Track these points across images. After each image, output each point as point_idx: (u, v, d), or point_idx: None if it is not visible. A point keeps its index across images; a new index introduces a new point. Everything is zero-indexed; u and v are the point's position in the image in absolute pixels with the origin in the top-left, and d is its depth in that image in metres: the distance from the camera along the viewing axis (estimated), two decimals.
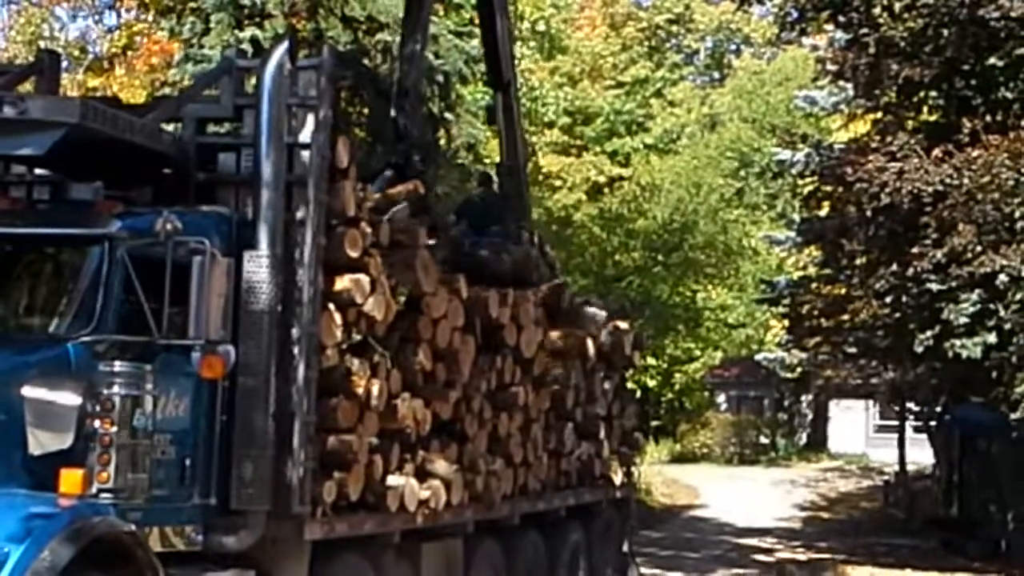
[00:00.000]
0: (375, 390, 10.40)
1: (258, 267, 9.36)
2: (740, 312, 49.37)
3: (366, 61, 20.40)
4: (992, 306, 19.70)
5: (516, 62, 16.67)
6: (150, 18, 25.96)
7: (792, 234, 32.88)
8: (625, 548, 16.75)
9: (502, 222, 14.92)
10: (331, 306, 10.02)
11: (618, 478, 16.66)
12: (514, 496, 13.15)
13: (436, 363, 11.50)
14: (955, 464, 30.22)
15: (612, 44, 43.21)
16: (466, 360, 11.91)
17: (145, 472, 8.64)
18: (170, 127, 10.45)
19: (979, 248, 18.39)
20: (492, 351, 12.60)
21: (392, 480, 10.72)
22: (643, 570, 17.80)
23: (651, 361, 40.99)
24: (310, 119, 9.83)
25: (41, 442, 8.34)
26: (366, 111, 21.17)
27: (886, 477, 37.99)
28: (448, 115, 21.93)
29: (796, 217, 33.58)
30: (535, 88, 30.33)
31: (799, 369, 38.99)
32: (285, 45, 9.98)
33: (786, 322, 33.31)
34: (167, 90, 21.92)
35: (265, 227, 9.45)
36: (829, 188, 24.36)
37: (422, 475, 11.19)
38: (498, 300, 12.61)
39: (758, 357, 48.15)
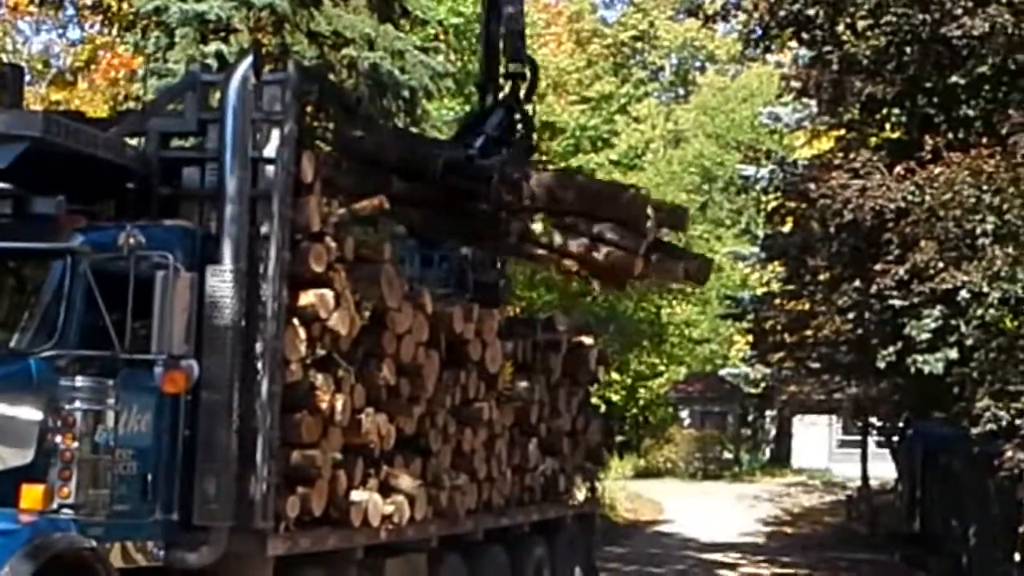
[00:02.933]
0: (339, 405, 10.39)
1: (222, 282, 9.35)
2: (704, 327, 49.52)
3: (332, 76, 20.36)
4: (954, 322, 19.78)
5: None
6: (114, 32, 25.85)
7: (756, 250, 33.04)
8: (589, 563, 16.75)
9: None
10: (295, 321, 10.02)
11: (582, 493, 16.68)
12: (478, 511, 13.15)
13: (400, 378, 11.50)
14: (917, 479, 30.38)
15: (578, 60, 43.29)
16: (430, 375, 11.91)
17: (107, 488, 8.60)
18: (134, 141, 10.41)
19: (941, 264, 18.46)
20: (456, 366, 12.60)
21: (356, 495, 10.71)
22: None
23: (615, 376, 41.01)
24: (275, 134, 9.84)
25: (1, 457, 8.30)
26: (331, 126, 21.12)
27: (849, 492, 38.16)
28: (413, 130, 21.89)
29: (760, 233, 33.77)
30: None
31: (763, 384, 39.18)
32: (249, 59, 9.99)
33: (750, 337, 33.43)
34: (130, 104, 21.83)
35: (229, 242, 9.44)
36: (793, 204, 24.44)
37: (386, 490, 11.18)
38: (463, 315, 12.61)
39: (722, 372, 48.37)
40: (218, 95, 10.09)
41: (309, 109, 19.37)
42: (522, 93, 14.94)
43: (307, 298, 10.10)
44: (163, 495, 9.26)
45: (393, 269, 11.40)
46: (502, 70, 15.32)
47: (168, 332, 8.72)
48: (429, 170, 13.18)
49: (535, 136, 14.62)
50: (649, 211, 12.98)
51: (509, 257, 15.19)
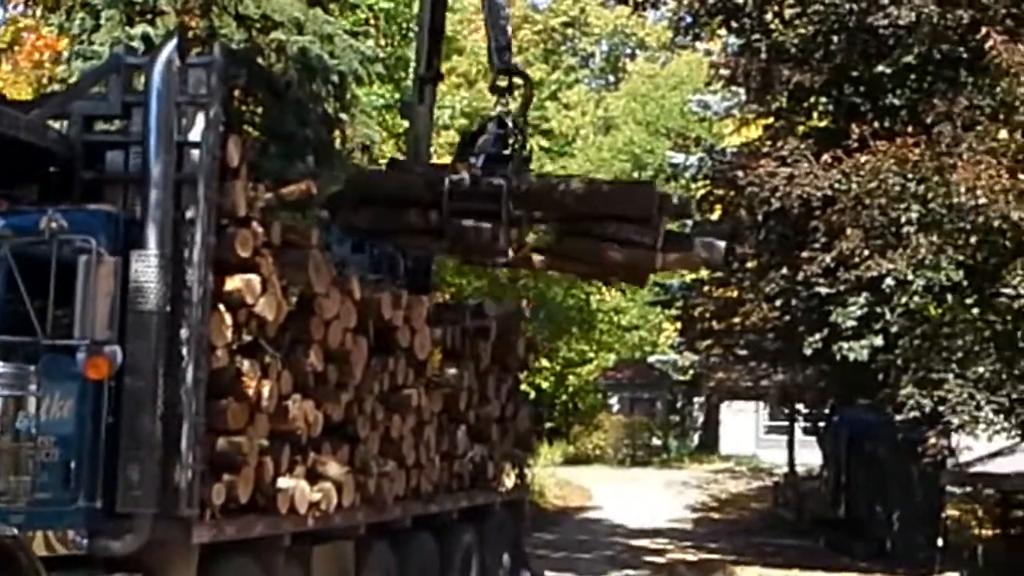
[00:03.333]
0: (265, 391, 10.31)
1: (146, 267, 9.24)
2: (633, 315, 49.69)
3: (260, 60, 20.20)
4: (879, 310, 20.01)
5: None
6: (38, 13, 25.49)
7: None
8: (518, 550, 16.77)
9: None
10: (221, 306, 9.92)
11: (511, 480, 16.68)
12: (406, 498, 13.11)
13: (328, 364, 11.42)
14: (842, 465, 30.70)
15: None
16: (358, 362, 11.85)
17: (28, 475, 8.51)
18: (57, 124, 10.27)
19: (866, 252, 18.64)
20: (385, 353, 12.55)
21: (282, 482, 10.64)
22: (536, 571, 17.81)
23: (545, 363, 41.05)
24: (200, 118, 9.73)
25: None
26: (259, 110, 20.98)
27: (776, 478, 38.48)
28: (343, 115, 21.78)
29: (689, 221, 33.85)
30: None
31: (691, 371, 39.42)
32: (175, 42, 9.87)
33: (678, 325, 33.61)
34: (54, 87, 21.55)
35: (154, 226, 9.33)
36: (721, 192, 24.61)
37: (313, 477, 11.12)
38: (391, 302, 12.56)
39: (651, 359, 48.60)
40: (143, 78, 9.96)
41: (237, 93, 19.25)
42: (512, 105, 14.73)
43: (233, 283, 10.01)
44: (86, 482, 9.14)
45: (320, 255, 11.33)
46: (493, 83, 15.08)
47: (91, 317, 8.61)
48: (437, 197, 13.20)
49: (528, 147, 14.48)
50: (662, 205, 13.09)
51: (520, 269, 15.24)
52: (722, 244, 14.02)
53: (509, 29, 15.47)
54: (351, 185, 13.82)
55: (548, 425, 49.06)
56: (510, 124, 13.90)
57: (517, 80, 15.09)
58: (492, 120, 14.25)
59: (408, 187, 13.45)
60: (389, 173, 14.19)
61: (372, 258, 14.20)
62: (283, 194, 11.39)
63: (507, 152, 13.76)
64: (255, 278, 10.12)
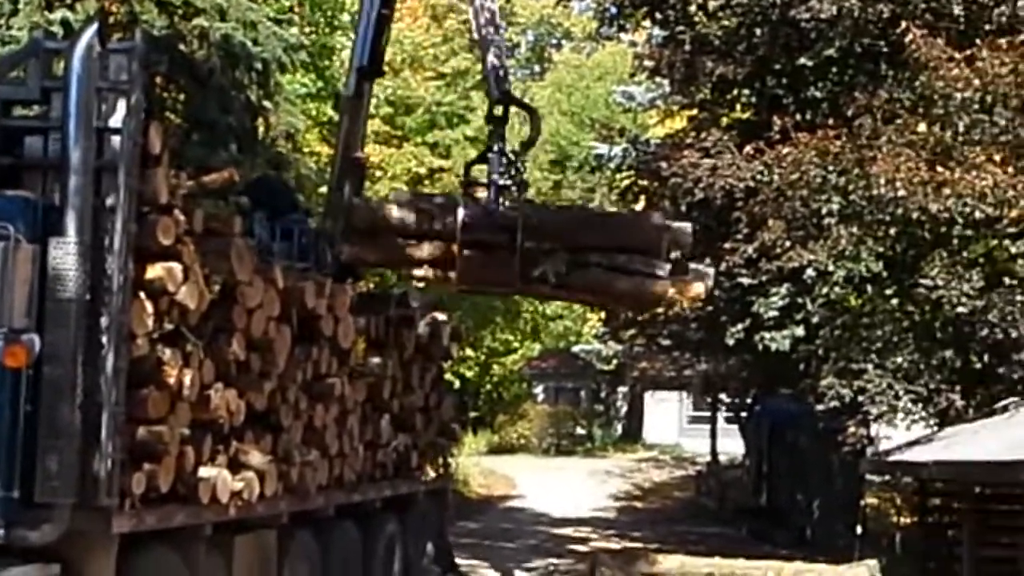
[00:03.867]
0: (187, 380, 10.24)
1: (65, 254, 9.14)
2: (558, 304, 49.80)
3: (182, 47, 20.01)
4: (800, 300, 20.20)
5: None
6: None
7: None
8: (442, 539, 16.78)
9: (293, 206, 14.78)
10: (142, 295, 9.83)
11: (434, 469, 16.69)
12: (329, 487, 13.09)
13: (251, 353, 11.37)
14: (764, 454, 30.99)
15: (433, 35, 43.13)
16: (281, 350, 11.80)
17: None
18: None
19: (788, 243, 18.82)
20: (308, 342, 12.51)
21: (204, 471, 10.57)
22: (459, 560, 17.86)
23: (469, 352, 41.08)
24: (121, 104, 9.62)
25: None
26: (181, 98, 20.80)
27: (698, 467, 38.78)
28: (267, 103, 21.64)
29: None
30: None
31: (615, 361, 39.66)
32: (95, 27, 9.76)
33: (602, 314, 33.73)
34: None
35: (73, 213, 9.23)
36: (645, 183, 24.72)
37: (235, 466, 11.06)
38: (315, 290, 12.52)
39: (575, 349, 48.82)
40: (62, 63, 9.84)
41: (158, 80, 19.06)
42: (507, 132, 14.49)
43: (154, 271, 9.92)
44: (3, 472, 9.03)
45: (243, 243, 11.26)
46: (490, 112, 14.75)
47: (8, 305, 8.53)
48: (447, 229, 13.12)
49: (526, 175, 14.33)
50: (666, 235, 13.11)
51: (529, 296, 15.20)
52: (711, 271, 14.13)
53: (504, 55, 15.14)
54: (359, 216, 13.71)
55: (473, 414, 49.11)
56: (511, 156, 13.72)
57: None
58: (494, 150, 13.89)
59: (419, 219, 13.38)
60: (397, 204, 14.03)
61: (299, 246, 14.13)
62: (205, 182, 11.31)
63: (513, 182, 13.59)
64: (177, 266, 10.04)
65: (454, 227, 12.96)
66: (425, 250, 13.11)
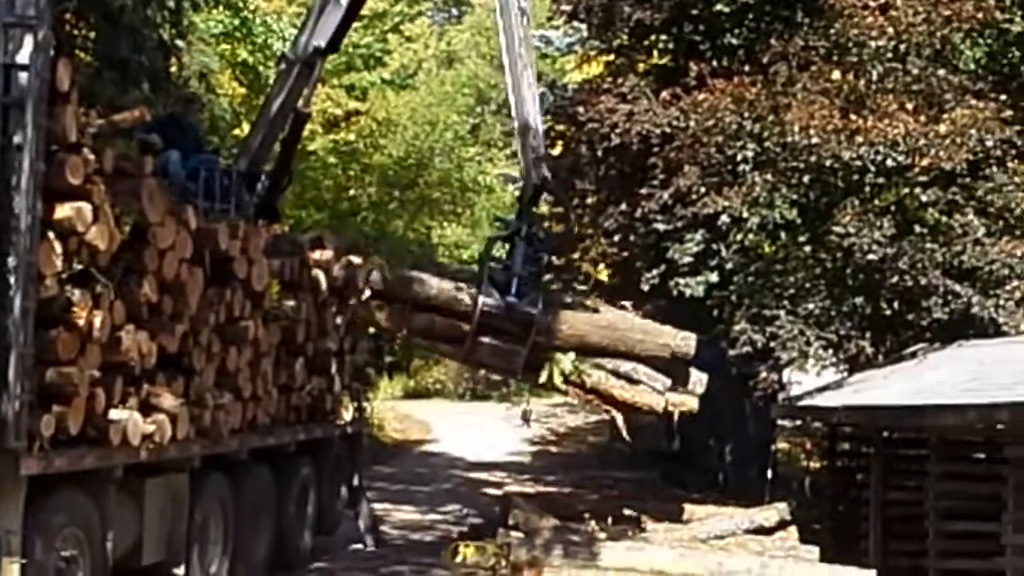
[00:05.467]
0: (97, 322, 10.12)
1: None
2: (475, 249, 49.66)
3: None
4: (714, 246, 20.33)
5: None
6: None
7: None
8: (356, 482, 16.79)
9: (198, 146, 14.62)
10: (51, 235, 9.69)
11: (349, 413, 16.68)
12: (243, 430, 13.04)
13: (163, 295, 11.26)
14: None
15: None
16: (194, 292, 11.70)
17: None
18: None
19: (703, 190, 18.90)
20: (221, 284, 12.41)
21: (115, 414, 10.48)
22: (374, 504, 17.87)
23: None
24: (28, 40, 9.43)
25: None
26: (92, 36, 20.41)
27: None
28: (179, 43, 21.30)
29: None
30: (270, 20, 29.74)
31: None
32: None
33: None
34: None
35: None
36: (562, 128, 24.70)
37: (147, 409, 10.97)
38: (228, 233, 12.41)
39: None
40: None
41: (68, 17, 18.69)
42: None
43: (63, 211, 9.77)
44: None
45: (155, 183, 11.13)
46: (523, 196, 14.34)
47: None
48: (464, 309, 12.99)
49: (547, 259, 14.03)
50: (673, 345, 13.18)
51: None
52: (703, 377, 14.14)
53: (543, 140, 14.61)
54: (389, 286, 13.61)
55: (388, 359, 49.03)
56: (535, 238, 13.47)
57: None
58: (519, 235, 13.57)
59: (440, 295, 13.29)
60: (421, 277, 13.90)
61: (219, 188, 13.98)
62: (115, 120, 11.14)
63: (536, 275, 13.37)
64: (86, 206, 9.90)
65: (472, 311, 12.87)
66: (440, 326, 13.10)
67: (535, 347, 12.88)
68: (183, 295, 11.54)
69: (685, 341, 13.39)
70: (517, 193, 15.75)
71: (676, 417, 12.73)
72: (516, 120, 14.22)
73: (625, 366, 12.99)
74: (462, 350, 13.04)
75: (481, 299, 12.84)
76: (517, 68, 14.30)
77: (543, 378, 13.03)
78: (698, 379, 13.64)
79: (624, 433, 14.05)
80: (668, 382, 12.99)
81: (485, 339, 12.85)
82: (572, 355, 13.02)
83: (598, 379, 12.90)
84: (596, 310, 13.64)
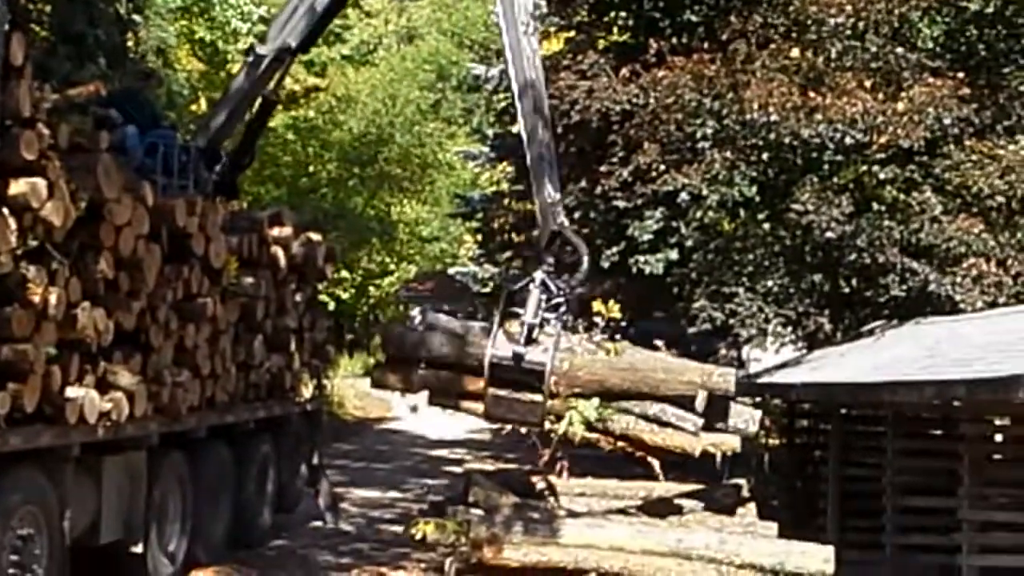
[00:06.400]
0: (53, 298, 10.02)
1: None
2: (434, 226, 49.77)
3: None
4: (674, 224, 20.39)
5: None
6: None
7: (486, 149, 33.32)
8: (315, 460, 16.75)
9: (155, 121, 14.51)
10: (5, 211, 9.56)
11: (308, 391, 16.63)
12: (201, 408, 12.96)
13: (119, 272, 11.15)
14: None
15: None
16: (151, 269, 11.61)
17: None
18: None
19: (663, 167, 18.95)
20: (179, 261, 12.32)
21: (71, 392, 10.39)
22: (334, 481, 17.84)
23: (345, 274, 40.90)
24: None
25: None
26: (48, 9, 20.24)
27: None
28: (136, 17, 21.16)
29: (490, 132, 33.98)
30: None
31: (491, 283, 39.69)
32: None
33: (479, 237, 33.77)
34: None
35: None
36: None
37: (104, 386, 10.88)
38: (186, 209, 12.32)
39: (452, 271, 48.85)
40: None
41: None
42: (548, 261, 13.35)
43: (18, 187, 9.65)
44: None
45: (111, 159, 11.01)
46: (539, 241, 13.76)
47: None
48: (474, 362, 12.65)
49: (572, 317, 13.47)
50: (704, 382, 12.74)
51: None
52: (757, 414, 13.55)
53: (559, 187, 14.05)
54: (393, 342, 13.26)
55: (349, 336, 49.01)
56: (553, 288, 12.98)
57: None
58: (533, 282, 13.09)
59: (449, 353, 12.96)
60: (428, 334, 13.48)
61: (177, 164, 13.88)
62: (71, 95, 11.04)
63: (549, 318, 12.90)
64: (41, 182, 9.78)
65: (482, 364, 12.51)
66: (454, 383, 12.86)
67: (555, 396, 12.54)
68: (140, 272, 11.44)
69: (723, 377, 12.88)
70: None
71: (719, 459, 12.32)
72: (529, 155, 13.86)
73: (653, 408, 12.62)
74: (483, 409, 12.70)
75: (488, 351, 12.46)
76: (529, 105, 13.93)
77: (562, 427, 12.63)
78: (750, 416, 13.03)
79: (661, 478, 13.58)
80: (700, 421, 12.63)
81: (501, 392, 12.50)
82: (596, 401, 12.63)
83: (626, 424, 12.55)
84: (617, 353, 13.24)
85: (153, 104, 15.45)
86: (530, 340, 12.45)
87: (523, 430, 12.55)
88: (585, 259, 13.37)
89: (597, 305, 13.55)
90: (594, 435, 12.60)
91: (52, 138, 10.05)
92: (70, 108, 10.97)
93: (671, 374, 12.81)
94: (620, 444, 12.65)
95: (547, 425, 12.55)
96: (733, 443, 12.52)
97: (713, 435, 12.66)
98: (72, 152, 10.43)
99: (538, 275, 12.95)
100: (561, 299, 12.80)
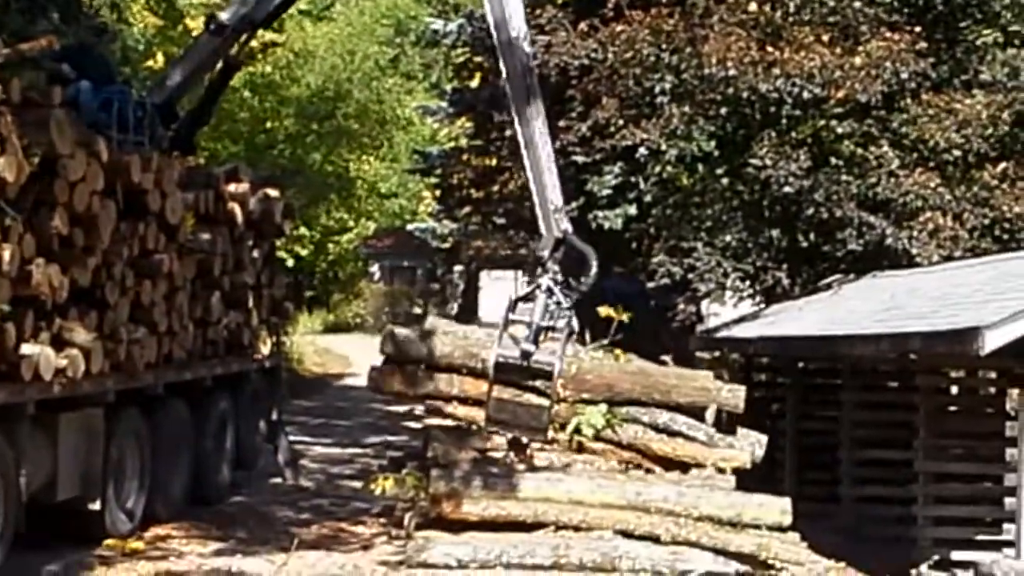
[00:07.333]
0: (7, 255, 9.94)
1: None
2: (393, 182, 49.61)
3: None
4: (633, 179, 20.39)
5: None
6: None
7: (445, 105, 33.16)
8: (275, 416, 16.72)
9: (110, 77, 14.35)
10: None
11: (267, 347, 16.57)
12: (158, 365, 12.91)
13: (74, 228, 11.07)
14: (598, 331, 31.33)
15: None
16: (106, 225, 11.52)
17: None
18: None
19: (621, 122, 18.92)
20: (135, 217, 12.23)
21: (26, 348, 10.32)
22: (293, 438, 17.82)
23: (304, 231, 40.77)
24: None
25: None
26: None
27: None
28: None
29: (449, 88, 33.82)
30: None
31: (450, 239, 39.63)
32: None
33: (437, 193, 33.66)
34: None
35: None
36: (481, 59, 24.60)
37: (59, 343, 10.82)
38: (141, 165, 12.22)
39: (410, 227, 48.67)
40: None
41: None
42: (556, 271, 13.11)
43: None
44: None
45: (63, 114, 10.91)
46: (543, 248, 13.47)
47: None
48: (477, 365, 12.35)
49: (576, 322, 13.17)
50: (715, 397, 12.51)
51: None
52: (764, 438, 13.31)
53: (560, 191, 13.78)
54: (396, 347, 13.02)
55: (308, 293, 48.90)
56: (557, 292, 12.76)
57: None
58: (539, 288, 12.86)
59: (451, 353, 12.69)
60: (430, 336, 13.18)
61: (132, 120, 13.74)
62: (23, 50, 10.90)
63: (552, 324, 12.66)
64: None
65: (486, 366, 12.27)
66: (456, 386, 12.64)
67: (562, 401, 12.33)
68: (95, 228, 11.35)
69: (732, 393, 12.73)
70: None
71: (728, 474, 12.07)
72: (528, 163, 13.70)
73: (663, 417, 12.43)
74: (484, 413, 12.43)
75: (494, 350, 12.25)
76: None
77: (566, 434, 12.39)
78: (756, 440, 12.79)
79: None
80: (712, 432, 12.48)
81: (505, 395, 12.29)
82: (603, 408, 12.41)
83: (634, 433, 12.35)
84: (627, 359, 13.06)
85: (109, 60, 15.29)
86: (537, 343, 12.33)
87: (524, 440, 12.26)
88: (594, 264, 13.24)
89: (604, 311, 13.31)
90: (600, 445, 12.33)
91: (4, 93, 9.96)
92: (22, 63, 10.85)
93: (683, 380, 12.68)
94: (627, 455, 12.38)
95: (551, 434, 12.29)
96: (744, 459, 12.33)
97: (723, 450, 12.45)
98: (25, 107, 10.34)
99: (544, 281, 12.82)
100: (568, 305, 12.69)
